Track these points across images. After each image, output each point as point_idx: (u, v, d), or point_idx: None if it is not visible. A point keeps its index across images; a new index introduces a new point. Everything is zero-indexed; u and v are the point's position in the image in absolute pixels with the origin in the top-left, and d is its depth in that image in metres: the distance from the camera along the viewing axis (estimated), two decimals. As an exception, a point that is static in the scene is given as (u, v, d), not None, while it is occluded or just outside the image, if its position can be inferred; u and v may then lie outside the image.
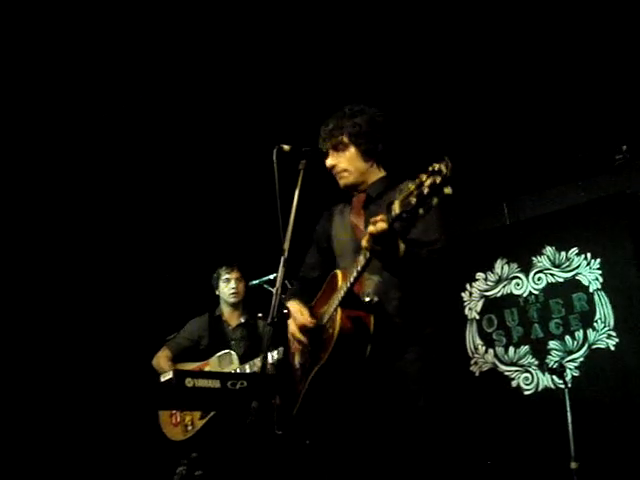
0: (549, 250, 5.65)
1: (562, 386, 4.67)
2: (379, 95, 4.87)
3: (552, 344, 5.49)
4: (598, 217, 5.41)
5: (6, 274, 5.57)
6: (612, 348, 5.21)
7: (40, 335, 5.65)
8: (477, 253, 5.98)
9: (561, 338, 5.46)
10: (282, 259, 2.57)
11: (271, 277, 4.48)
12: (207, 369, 4.47)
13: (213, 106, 5.23)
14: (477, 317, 5.96)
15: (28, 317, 5.62)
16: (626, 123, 5.13)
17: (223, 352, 4.53)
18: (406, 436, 2.54)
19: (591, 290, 5.38)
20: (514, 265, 5.83)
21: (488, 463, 5.22)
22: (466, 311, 6.03)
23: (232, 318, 4.78)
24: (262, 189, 3.19)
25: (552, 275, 5.60)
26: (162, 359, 4.70)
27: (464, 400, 5.65)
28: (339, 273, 2.69)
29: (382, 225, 2.28)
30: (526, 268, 5.75)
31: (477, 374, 5.86)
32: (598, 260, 5.39)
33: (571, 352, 5.38)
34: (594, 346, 5.29)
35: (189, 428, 4.32)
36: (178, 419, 4.43)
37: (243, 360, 4.44)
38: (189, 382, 3.79)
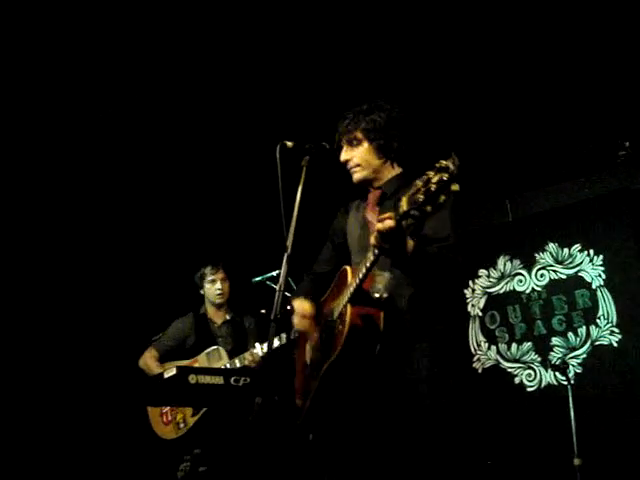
0: (552, 246, 5.65)
1: (565, 383, 4.68)
2: (382, 92, 4.88)
3: (555, 340, 5.49)
4: (601, 213, 5.40)
5: None
6: (615, 344, 5.21)
7: (27, 337, 5.63)
8: (480, 249, 5.97)
9: (564, 335, 5.46)
10: (285, 256, 2.57)
11: (274, 274, 4.49)
12: (196, 366, 4.47)
13: (216, 103, 5.22)
14: (480, 314, 5.96)
15: (16, 320, 5.60)
16: (629, 119, 5.12)
17: (211, 349, 4.54)
18: (412, 435, 2.54)
19: (594, 286, 5.38)
20: (517, 261, 5.83)
21: (488, 463, 5.21)
22: (469, 308, 6.03)
23: (217, 316, 4.79)
24: (265, 186, 3.18)
25: (555, 271, 5.60)
26: (149, 359, 4.70)
27: (467, 397, 5.66)
28: (348, 269, 2.69)
29: (390, 223, 2.28)
30: (529, 264, 5.75)
31: (480, 371, 5.86)
32: (601, 256, 5.39)
33: (574, 349, 5.38)
34: (597, 342, 5.29)
35: (181, 426, 4.32)
36: (169, 417, 4.43)
37: (232, 355, 4.45)
38: (192, 378, 3.80)
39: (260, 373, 3.97)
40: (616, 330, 5.22)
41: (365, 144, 2.83)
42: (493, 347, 5.82)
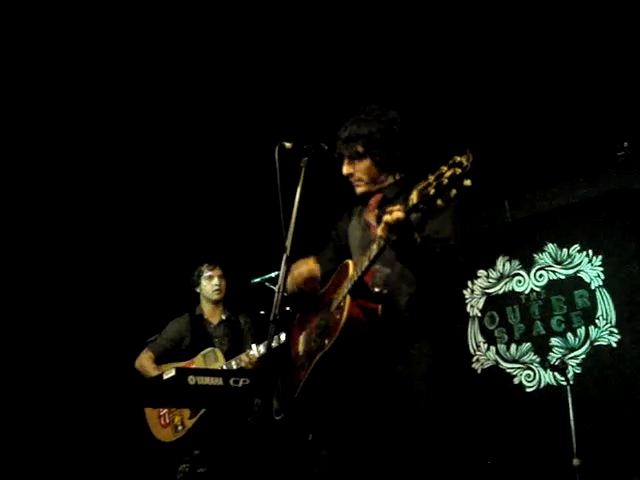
0: (551, 247, 5.65)
1: (564, 383, 4.67)
2: (379, 92, 4.89)
3: (554, 341, 5.49)
4: (600, 214, 5.40)
5: None
6: (614, 345, 5.21)
7: (24, 338, 5.64)
8: (479, 250, 5.97)
9: (563, 335, 5.46)
10: (284, 257, 2.57)
11: (272, 275, 4.49)
12: (193, 367, 4.47)
13: (215, 104, 5.22)
14: (479, 314, 5.96)
15: (14, 322, 5.61)
16: (628, 119, 5.13)
17: (207, 350, 4.53)
18: (407, 434, 2.54)
19: (593, 287, 5.38)
20: (516, 262, 5.83)
21: (488, 463, 5.21)
22: (468, 308, 6.03)
23: (213, 316, 4.78)
24: (264, 187, 3.18)
25: (554, 272, 5.60)
26: (145, 361, 4.69)
27: (466, 397, 5.65)
28: (350, 263, 2.69)
29: (398, 214, 2.28)
30: (528, 265, 5.75)
31: (479, 371, 5.86)
32: (600, 257, 5.39)
33: (573, 349, 5.38)
34: (596, 343, 5.29)
35: (179, 428, 4.31)
36: (167, 420, 4.42)
37: (228, 357, 4.44)
38: (192, 380, 3.80)
39: (259, 374, 3.96)
40: (615, 330, 5.22)
41: (367, 159, 2.81)
42: (492, 348, 5.82)
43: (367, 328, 2.53)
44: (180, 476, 4.16)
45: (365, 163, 2.82)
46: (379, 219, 2.79)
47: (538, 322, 5.61)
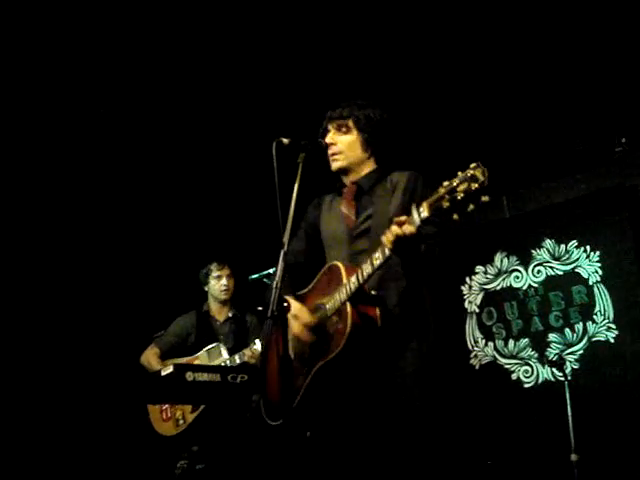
0: (548, 243, 5.65)
1: (562, 379, 4.68)
2: (379, 87, 4.89)
3: (552, 337, 5.49)
4: (597, 210, 5.41)
5: None
6: (612, 340, 5.21)
7: (29, 334, 5.66)
8: (476, 246, 5.98)
9: (561, 331, 5.46)
10: (282, 252, 2.55)
11: (270, 271, 4.48)
12: (196, 363, 4.48)
13: (212, 100, 5.22)
14: (477, 310, 5.97)
15: (17, 316, 5.62)
16: (625, 115, 5.13)
17: (212, 345, 4.54)
18: (401, 431, 2.54)
19: (590, 283, 5.39)
20: (513, 258, 5.83)
21: (488, 463, 5.22)
22: (466, 304, 6.03)
23: (220, 313, 4.80)
24: (261, 183, 3.18)
25: (552, 268, 5.60)
26: (151, 356, 4.70)
27: (464, 393, 5.66)
28: (341, 266, 2.66)
29: (410, 229, 2.30)
30: (525, 261, 5.75)
31: (477, 367, 5.86)
32: (597, 253, 5.39)
33: (571, 345, 5.39)
34: (594, 339, 5.30)
35: (180, 422, 4.32)
36: (169, 414, 4.43)
37: (232, 354, 4.45)
38: (189, 376, 3.79)
39: (258, 370, 3.96)
40: (613, 326, 5.23)
41: (354, 133, 2.87)
42: (490, 343, 5.82)
43: (368, 332, 2.53)
44: (178, 472, 4.17)
45: (351, 137, 2.87)
46: (359, 212, 2.80)
47: (536, 318, 5.62)
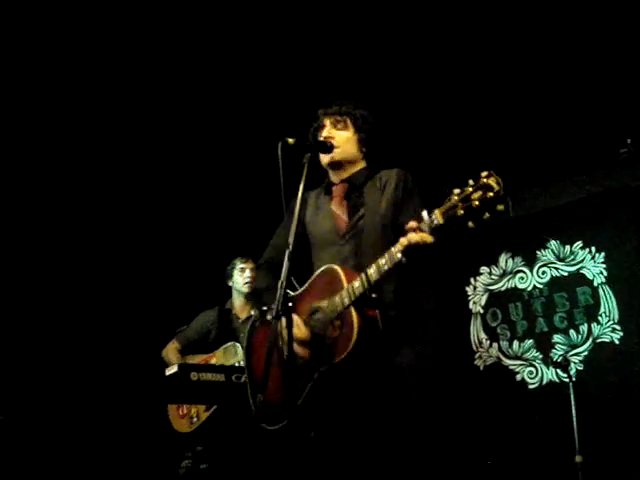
0: (553, 244, 5.65)
1: (566, 380, 4.68)
2: (382, 87, 4.90)
3: (556, 338, 5.49)
4: (602, 211, 5.40)
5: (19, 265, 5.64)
6: (616, 342, 5.21)
7: (56, 328, 5.73)
8: (481, 247, 5.97)
9: (565, 332, 5.46)
10: (287, 252, 2.55)
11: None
12: (213, 361, 4.49)
13: (218, 102, 5.23)
14: (481, 311, 5.96)
15: (38, 311, 5.67)
16: (630, 116, 5.12)
17: (229, 344, 4.54)
18: (401, 429, 2.55)
19: (595, 284, 5.38)
20: (518, 259, 5.83)
21: (488, 463, 5.22)
22: (470, 305, 6.03)
23: (242, 311, 4.79)
24: (267, 183, 3.18)
25: (556, 269, 5.59)
26: (171, 351, 4.73)
27: (468, 394, 5.66)
28: (339, 270, 2.64)
29: (428, 238, 2.32)
30: (530, 262, 5.75)
31: (481, 368, 5.86)
32: (602, 254, 5.38)
33: (575, 346, 5.38)
34: (598, 340, 5.29)
35: (194, 420, 4.33)
36: (185, 411, 4.44)
37: None
38: (194, 376, 3.81)
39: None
40: (618, 327, 5.22)
41: (351, 131, 2.89)
42: (495, 344, 5.82)
43: (371, 335, 2.53)
44: (182, 472, 4.17)
45: (348, 134, 2.89)
46: (351, 212, 2.80)
47: (541, 319, 5.61)
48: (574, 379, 4.70)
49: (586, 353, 5.32)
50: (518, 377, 5.64)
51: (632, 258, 5.23)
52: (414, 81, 5.05)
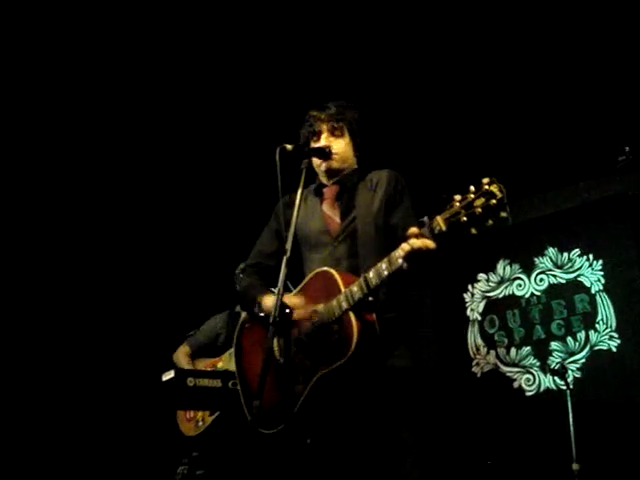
0: (551, 251, 5.65)
1: (564, 387, 4.67)
2: (382, 94, 4.90)
3: (554, 345, 5.48)
4: (600, 218, 5.41)
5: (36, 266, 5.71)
6: (614, 349, 5.21)
7: (62, 333, 5.77)
8: (479, 254, 5.97)
9: (563, 339, 5.45)
10: (284, 258, 2.55)
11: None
12: (219, 365, 4.50)
13: (216, 109, 5.24)
14: (479, 318, 5.96)
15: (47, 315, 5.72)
16: (629, 124, 5.13)
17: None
18: (398, 435, 2.54)
19: (593, 291, 5.38)
20: (516, 266, 5.83)
21: (488, 463, 5.21)
22: (468, 312, 6.02)
23: None
24: (265, 189, 3.18)
25: (554, 276, 5.59)
26: (181, 355, 4.76)
27: (465, 401, 5.65)
28: (335, 274, 2.63)
29: (430, 244, 2.31)
30: (528, 269, 5.75)
31: (479, 375, 5.85)
32: (600, 261, 5.39)
33: (573, 353, 5.38)
34: (596, 347, 5.29)
35: (199, 424, 4.33)
36: (191, 415, 4.45)
37: None
38: (190, 381, 3.80)
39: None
40: (615, 335, 5.22)
41: (346, 137, 2.90)
42: (492, 351, 5.81)
43: (369, 339, 2.53)
44: (178, 478, 4.16)
45: (344, 141, 2.89)
46: (343, 214, 2.80)
47: (538, 326, 5.61)
48: (571, 386, 4.69)
49: (583, 360, 5.32)
50: (515, 384, 5.64)
51: (630, 266, 5.23)
52: (415, 88, 5.06)
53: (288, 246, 2.56)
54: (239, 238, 5.87)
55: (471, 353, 5.92)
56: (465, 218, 2.18)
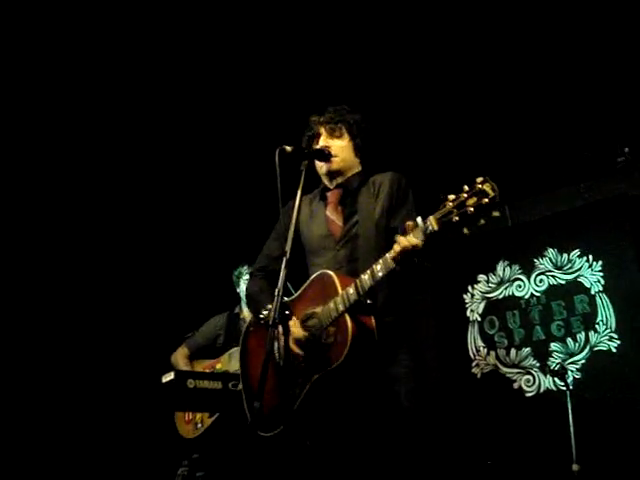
0: (551, 252, 5.65)
1: (564, 388, 4.67)
2: (379, 94, 4.91)
3: (554, 346, 5.48)
4: (600, 219, 5.41)
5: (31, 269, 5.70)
6: (614, 350, 5.20)
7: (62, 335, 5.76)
8: (479, 255, 5.97)
9: (563, 340, 5.45)
10: (284, 260, 2.56)
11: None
12: (218, 366, 4.50)
13: (216, 110, 5.24)
14: (479, 319, 5.96)
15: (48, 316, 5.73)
16: (628, 125, 5.13)
17: (234, 349, 4.54)
18: (397, 437, 2.55)
19: (593, 292, 5.38)
20: (516, 267, 5.83)
21: (488, 463, 5.21)
22: (468, 313, 6.02)
23: (250, 316, 4.78)
24: (264, 190, 3.18)
25: (554, 277, 5.59)
26: (179, 356, 4.75)
27: (465, 402, 5.65)
28: (334, 276, 2.65)
29: (413, 240, 2.32)
30: (528, 270, 5.75)
31: (479, 376, 5.85)
32: (600, 262, 5.39)
33: (573, 354, 5.37)
34: (596, 348, 5.29)
35: (199, 426, 4.33)
36: (190, 416, 4.45)
37: None
38: (190, 383, 3.80)
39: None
40: (615, 336, 5.22)
41: (346, 139, 2.92)
42: (492, 352, 5.81)
43: (366, 342, 2.53)
44: (179, 479, 4.16)
45: (344, 142, 2.91)
46: (345, 218, 2.81)
47: (538, 327, 5.61)
48: (571, 387, 4.70)
49: (583, 361, 5.32)
50: (515, 385, 5.63)
51: (629, 266, 5.23)
52: (412, 89, 5.06)
53: (287, 248, 2.56)
54: (238, 240, 5.92)
55: (471, 354, 5.91)
56: (457, 218, 2.18)
